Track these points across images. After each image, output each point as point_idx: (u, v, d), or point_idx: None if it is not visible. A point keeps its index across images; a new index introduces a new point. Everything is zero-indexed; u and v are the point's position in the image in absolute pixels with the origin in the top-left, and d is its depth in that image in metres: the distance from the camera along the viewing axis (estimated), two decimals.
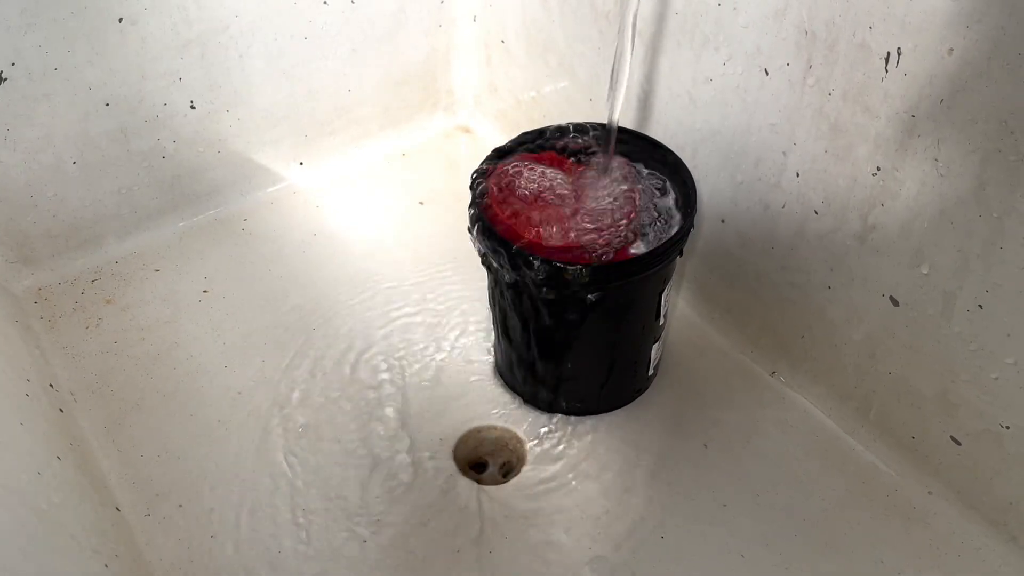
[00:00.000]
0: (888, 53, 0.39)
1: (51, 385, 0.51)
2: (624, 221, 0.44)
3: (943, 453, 0.46)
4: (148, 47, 0.56)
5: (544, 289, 0.43)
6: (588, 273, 0.42)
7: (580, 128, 0.49)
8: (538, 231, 0.43)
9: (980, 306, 0.41)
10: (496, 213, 0.44)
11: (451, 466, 0.48)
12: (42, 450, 0.43)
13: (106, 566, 0.39)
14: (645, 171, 0.47)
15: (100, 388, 0.52)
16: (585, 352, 0.48)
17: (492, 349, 0.54)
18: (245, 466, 0.48)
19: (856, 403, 0.49)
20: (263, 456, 0.48)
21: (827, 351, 0.50)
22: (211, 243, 0.62)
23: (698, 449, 0.49)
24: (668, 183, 0.47)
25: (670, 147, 0.48)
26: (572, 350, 0.47)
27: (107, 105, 0.56)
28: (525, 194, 0.45)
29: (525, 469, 0.48)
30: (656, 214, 0.45)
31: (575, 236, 0.43)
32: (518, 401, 0.51)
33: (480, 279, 0.53)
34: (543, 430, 0.50)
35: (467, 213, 0.45)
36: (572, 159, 0.48)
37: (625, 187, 0.46)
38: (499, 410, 0.51)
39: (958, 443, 0.45)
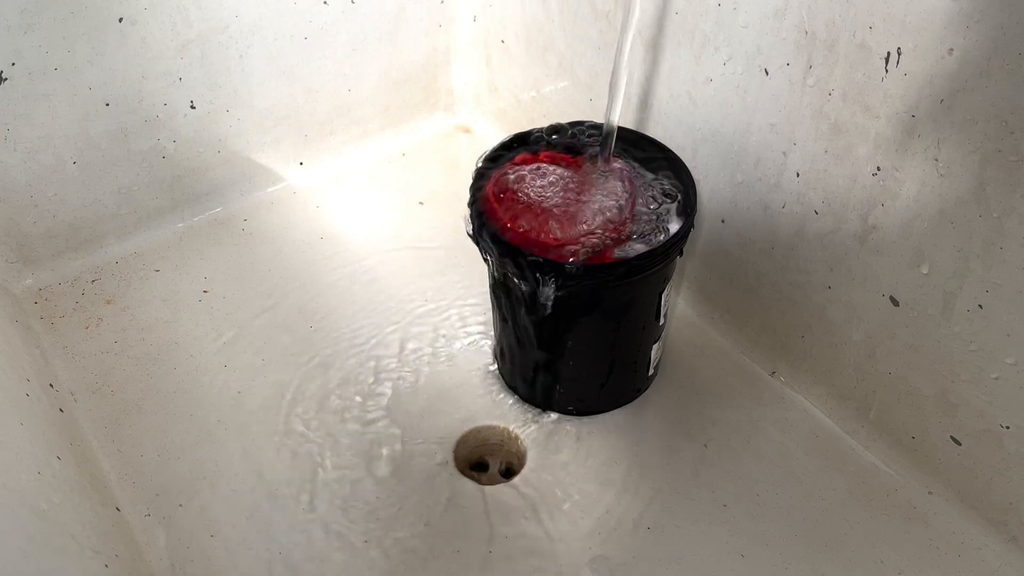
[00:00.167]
0: (888, 53, 0.39)
1: (51, 385, 0.51)
2: (624, 221, 0.44)
3: (943, 453, 0.46)
4: (148, 47, 0.56)
5: (542, 288, 0.43)
6: (586, 272, 0.42)
7: (580, 127, 0.49)
8: (537, 230, 0.43)
9: (980, 306, 0.41)
10: (495, 211, 0.44)
11: (451, 466, 0.48)
12: (42, 450, 0.43)
13: (106, 566, 0.39)
14: (645, 171, 0.47)
15: (100, 388, 0.52)
16: (585, 352, 0.48)
17: (492, 348, 0.54)
18: (245, 466, 0.48)
19: (856, 403, 0.49)
20: (263, 456, 0.48)
21: (827, 351, 0.50)
22: (211, 243, 0.62)
23: (698, 449, 0.49)
24: (668, 183, 0.46)
25: (670, 147, 0.48)
26: (572, 350, 0.47)
27: (107, 105, 0.56)
28: (525, 193, 0.45)
29: (525, 469, 0.48)
30: (656, 214, 0.45)
31: (574, 235, 0.43)
32: (518, 401, 0.51)
33: (481, 279, 0.53)
34: (543, 430, 0.50)
35: (467, 212, 0.45)
36: (573, 159, 0.48)
37: (625, 187, 0.46)
38: (499, 410, 0.51)
39: (958, 443, 0.45)
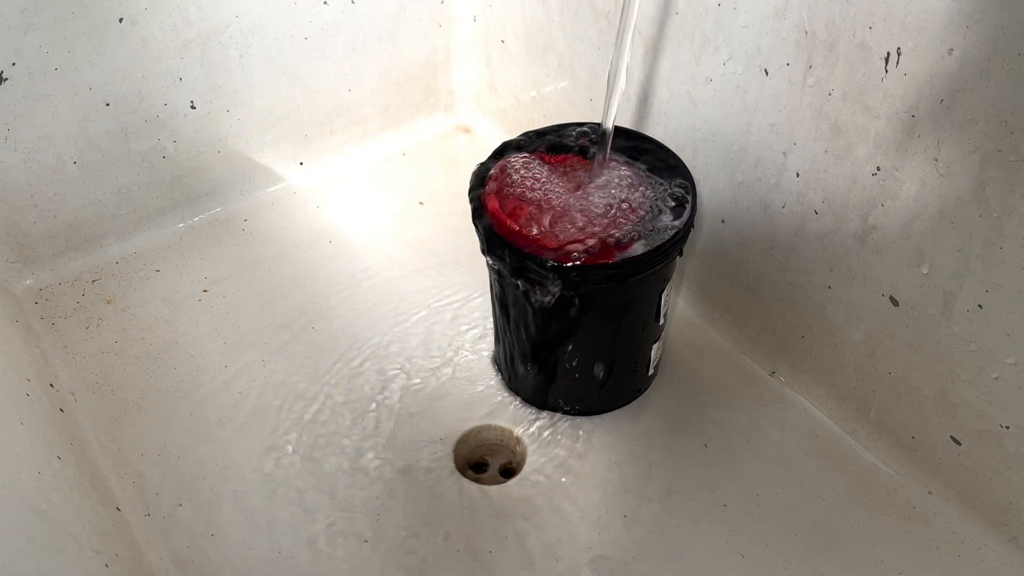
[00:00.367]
0: (888, 53, 0.39)
1: (51, 385, 0.51)
2: (624, 221, 0.44)
3: (943, 453, 0.46)
4: (148, 47, 0.56)
5: (542, 288, 0.43)
6: (586, 272, 0.42)
7: (581, 128, 0.49)
8: (537, 229, 0.43)
9: (980, 306, 0.41)
10: (495, 211, 0.44)
11: (451, 466, 0.48)
12: (42, 450, 0.43)
13: (106, 566, 0.39)
14: (645, 171, 0.47)
15: (100, 388, 0.52)
16: (585, 352, 0.48)
17: (492, 348, 0.54)
18: (245, 466, 0.48)
19: (856, 403, 0.49)
20: (263, 456, 0.48)
21: (827, 351, 0.50)
22: (211, 243, 0.62)
23: (698, 449, 0.49)
24: (668, 183, 0.46)
25: (670, 147, 0.48)
26: (572, 350, 0.47)
27: (107, 105, 0.56)
28: (525, 192, 0.45)
29: (525, 469, 0.48)
30: (655, 214, 0.45)
31: (574, 235, 0.43)
32: (518, 401, 0.51)
33: (481, 279, 0.53)
34: (543, 430, 0.50)
35: (468, 211, 0.45)
36: (574, 159, 0.48)
37: (624, 187, 0.46)
38: (499, 410, 0.51)
39: (958, 443, 0.45)
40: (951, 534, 0.45)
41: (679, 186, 0.46)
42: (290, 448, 0.49)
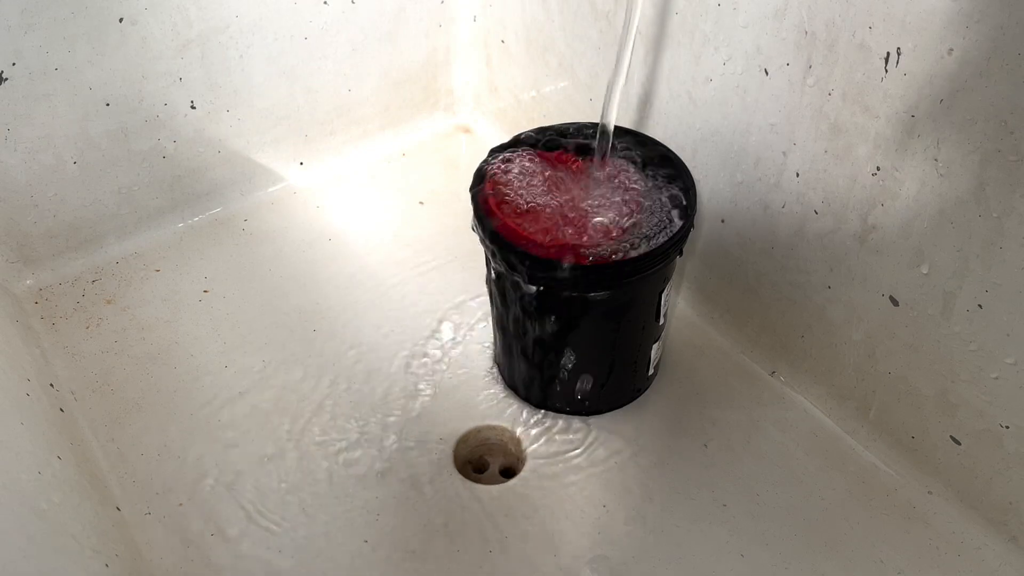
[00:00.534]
0: (888, 53, 0.39)
1: (52, 385, 0.51)
2: (623, 221, 0.44)
3: (943, 453, 0.46)
4: (148, 47, 0.56)
5: (542, 288, 0.43)
6: (586, 272, 0.42)
7: (581, 128, 0.49)
8: (538, 229, 0.43)
9: (980, 306, 0.41)
10: (495, 210, 0.44)
11: (451, 466, 0.48)
12: (42, 450, 0.43)
13: (106, 566, 0.40)
14: (644, 171, 0.47)
15: (100, 388, 0.52)
16: (585, 352, 0.48)
17: (492, 348, 0.54)
18: (245, 466, 0.48)
19: (856, 403, 0.49)
20: (263, 456, 0.48)
21: (827, 351, 0.50)
22: (211, 243, 0.62)
23: (698, 449, 0.49)
24: (668, 183, 0.46)
25: (670, 147, 0.48)
26: (572, 349, 0.47)
27: (107, 105, 0.56)
28: (525, 192, 0.45)
29: (525, 469, 0.48)
30: (655, 214, 0.45)
31: (574, 234, 0.43)
32: (518, 400, 0.51)
33: (480, 278, 0.53)
34: (543, 430, 0.50)
35: (468, 211, 0.45)
36: (574, 159, 0.48)
37: (624, 187, 0.46)
38: (499, 410, 0.51)
39: (958, 443, 0.45)
40: (951, 534, 0.45)
41: (679, 186, 0.46)
42: (290, 448, 0.49)
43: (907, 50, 0.38)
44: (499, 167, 0.47)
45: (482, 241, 0.45)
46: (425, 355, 0.54)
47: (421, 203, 0.66)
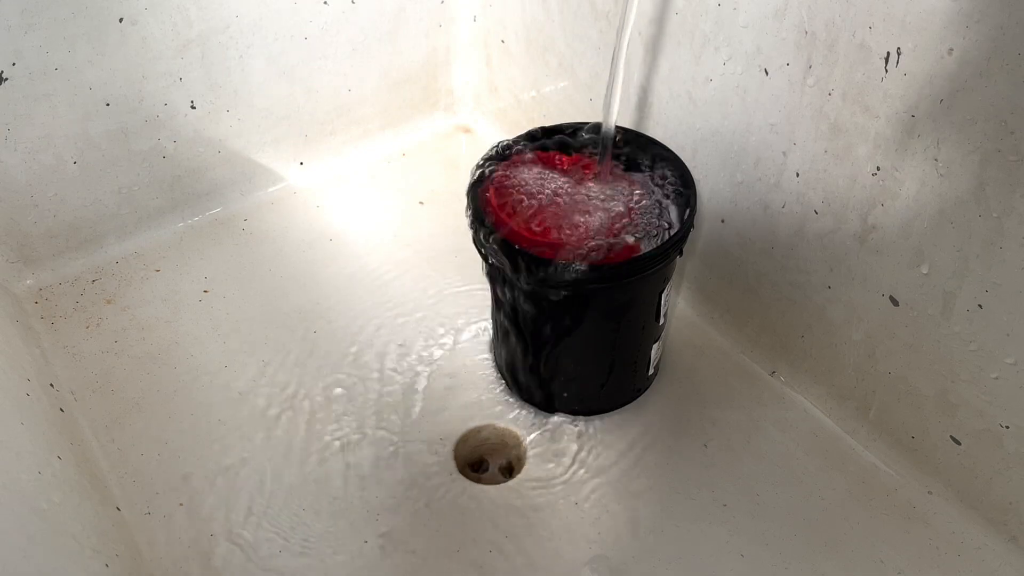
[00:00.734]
0: (888, 53, 0.39)
1: (52, 385, 0.51)
2: (623, 221, 0.44)
3: (943, 453, 0.46)
4: (148, 47, 0.56)
5: (541, 288, 0.43)
6: (586, 272, 0.42)
7: (582, 127, 0.49)
8: (538, 229, 0.43)
9: (980, 306, 0.41)
10: (495, 210, 0.44)
11: (451, 466, 0.48)
12: (42, 449, 0.43)
13: (106, 566, 0.40)
14: (645, 171, 0.47)
15: (100, 388, 0.52)
16: (585, 352, 0.48)
17: (492, 348, 0.54)
18: (245, 466, 0.48)
19: (856, 403, 0.49)
20: (263, 456, 0.48)
21: (827, 351, 0.50)
22: (211, 243, 0.62)
23: (698, 449, 0.49)
24: (668, 183, 0.46)
25: (670, 147, 0.48)
26: (572, 350, 0.47)
27: (107, 105, 0.56)
28: (525, 192, 0.45)
29: (525, 469, 0.48)
30: (656, 214, 0.45)
31: (574, 234, 0.43)
32: (518, 400, 0.51)
33: (480, 279, 0.53)
34: (543, 429, 0.50)
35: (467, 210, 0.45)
36: (574, 158, 0.48)
37: (624, 187, 0.46)
38: (499, 409, 0.51)
39: (958, 443, 0.45)
40: (951, 534, 0.45)
41: (679, 186, 0.46)
42: (290, 448, 0.49)
43: (907, 50, 0.38)
44: (498, 166, 0.47)
45: (483, 240, 0.45)
46: (425, 355, 0.54)
47: (421, 203, 0.66)
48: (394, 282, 0.59)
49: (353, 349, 0.54)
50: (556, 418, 0.50)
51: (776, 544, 0.44)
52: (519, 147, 0.49)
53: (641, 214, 0.45)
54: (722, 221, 0.53)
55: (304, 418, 0.50)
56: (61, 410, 0.49)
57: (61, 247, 0.59)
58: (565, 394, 0.50)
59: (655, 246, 0.43)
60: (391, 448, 0.49)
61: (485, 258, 0.46)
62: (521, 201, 0.45)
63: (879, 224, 0.43)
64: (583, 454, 0.49)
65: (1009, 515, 0.44)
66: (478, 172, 0.47)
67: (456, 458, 0.49)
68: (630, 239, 0.44)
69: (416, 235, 0.63)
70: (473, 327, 0.56)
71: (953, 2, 0.36)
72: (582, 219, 0.44)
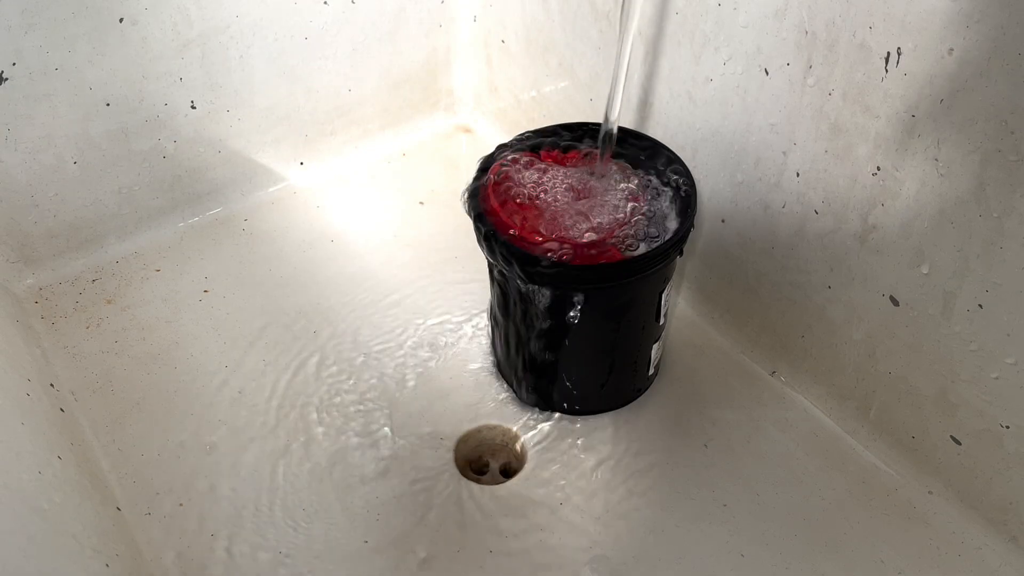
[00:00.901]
0: (888, 53, 0.39)
1: (52, 385, 0.51)
2: (623, 221, 0.44)
3: (943, 453, 0.46)
4: (149, 47, 0.56)
5: (542, 288, 0.43)
6: (586, 272, 0.42)
7: (582, 127, 0.49)
8: (538, 228, 0.43)
9: (980, 306, 0.41)
10: (496, 209, 0.44)
11: (451, 466, 0.48)
12: (43, 449, 0.43)
13: (107, 565, 0.40)
14: (645, 171, 0.47)
15: (101, 388, 0.52)
16: (585, 352, 0.48)
17: (493, 348, 0.54)
18: (246, 466, 0.48)
19: (856, 403, 0.49)
20: (264, 455, 0.48)
21: (827, 351, 0.50)
22: (212, 243, 0.62)
23: (698, 449, 0.49)
24: (668, 183, 0.47)
25: (670, 147, 0.48)
26: (572, 349, 0.47)
27: (108, 105, 0.56)
28: (525, 191, 0.45)
29: (525, 468, 0.48)
30: (656, 214, 0.45)
31: (574, 234, 0.43)
32: (518, 401, 0.51)
33: (481, 278, 0.53)
34: (543, 430, 0.50)
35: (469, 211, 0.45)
36: (575, 158, 0.48)
37: (625, 187, 0.46)
38: (499, 410, 0.51)
39: (958, 443, 0.45)
40: (951, 534, 0.45)
41: (679, 186, 0.46)
42: (290, 448, 0.49)
43: (907, 50, 0.38)
44: (499, 166, 0.47)
45: (481, 240, 0.45)
46: (426, 355, 0.54)
47: (421, 203, 0.67)
48: (394, 282, 0.59)
49: (353, 349, 0.54)
50: (556, 418, 0.50)
51: (776, 544, 0.44)
52: (519, 146, 0.49)
53: (641, 214, 0.45)
54: (722, 221, 0.53)
55: (304, 418, 0.50)
56: (61, 410, 0.49)
57: (61, 247, 0.59)
58: (565, 394, 0.50)
59: (655, 246, 0.43)
60: (391, 448, 0.49)
61: (487, 258, 0.46)
62: (522, 200, 0.45)
63: (879, 224, 0.43)
64: (583, 454, 0.49)
65: (1009, 515, 0.44)
66: (479, 170, 0.47)
67: (456, 458, 0.49)
68: (630, 239, 0.44)
69: (416, 235, 0.63)
70: (473, 327, 0.56)
71: (953, 2, 0.36)
72: (583, 218, 0.44)
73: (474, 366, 0.53)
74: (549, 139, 0.49)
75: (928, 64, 0.38)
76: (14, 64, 0.52)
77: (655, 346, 0.50)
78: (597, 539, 0.45)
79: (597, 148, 0.47)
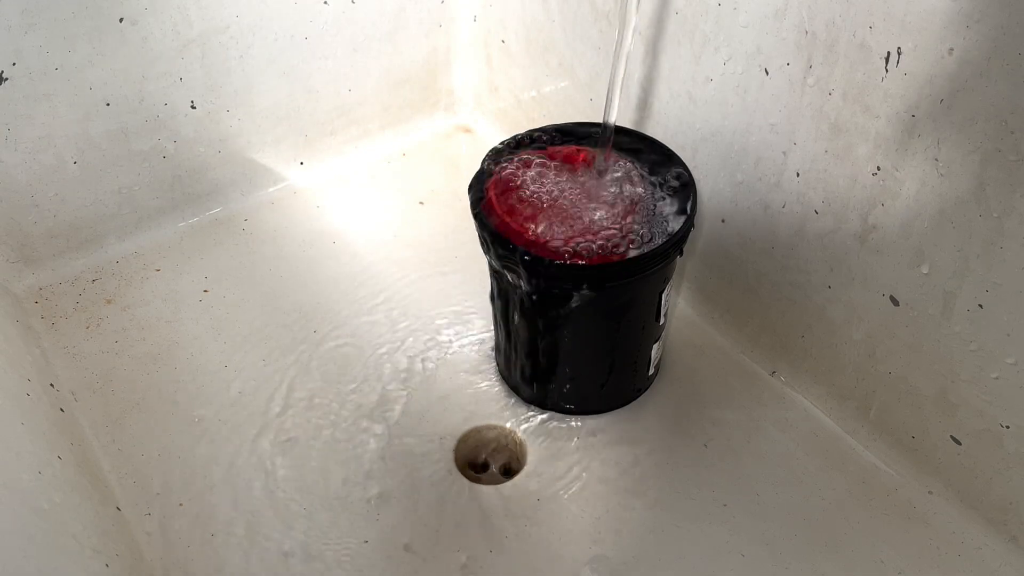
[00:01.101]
0: (888, 53, 0.39)
1: (52, 385, 0.51)
2: (624, 220, 0.44)
3: (943, 453, 0.46)
4: (149, 47, 0.56)
5: (542, 288, 0.43)
6: (586, 271, 0.42)
7: (582, 127, 0.49)
8: (538, 228, 0.43)
9: (980, 306, 0.41)
10: (496, 209, 0.44)
11: (451, 466, 0.48)
12: (43, 450, 0.43)
13: (107, 566, 0.40)
14: (645, 171, 0.47)
15: (101, 388, 0.52)
16: (585, 352, 0.48)
17: (493, 348, 0.54)
18: (246, 466, 0.48)
19: (856, 403, 0.49)
20: (264, 456, 0.48)
21: (827, 351, 0.50)
22: (211, 243, 0.62)
23: (698, 449, 0.49)
24: (668, 183, 0.46)
25: (670, 147, 0.48)
26: (572, 350, 0.47)
27: (108, 105, 0.56)
28: (525, 190, 0.45)
29: (525, 468, 0.48)
30: (656, 214, 0.45)
31: (574, 234, 0.43)
32: (518, 400, 0.51)
33: (481, 278, 0.53)
34: (543, 429, 0.50)
35: (468, 211, 0.45)
36: (575, 158, 0.48)
37: (625, 187, 0.46)
38: (499, 410, 0.51)
39: (958, 443, 0.45)
40: (951, 534, 0.45)
41: (679, 186, 0.46)
42: (290, 448, 0.49)
43: (907, 50, 0.38)
44: (500, 165, 0.47)
45: (481, 239, 0.45)
46: (426, 355, 0.54)
47: (421, 203, 0.67)
48: (395, 282, 0.59)
49: (353, 350, 0.54)
50: (556, 417, 0.50)
51: (776, 544, 0.44)
52: (520, 146, 0.49)
53: (641, 214, 0.45)
54: (722, 221, 0.53)
55: (304, 418, 0.50)
56: (61, 410, 0.49)
57: (61, 247, 0.59)
58: (565, 394, 0.50)
59: (655, 246, 0.43)
60: (392, 447, 0.49)
61: (487, 258, 0.46)
62: (522, 200, 0.45)
63: (879, 224, 0.43)
64: (583, 454, 0.49)
65: (1009, 515, 0.44)
66: (479, 171, 0.47)
67: (457, 458, 0.49)
68: (630, 239, 0.44)
69: (416, 235, 0.63)
70: (473, 327, 0.56)
71: (953, 2, 0.36)
72: (583, 218, 0.44)
73: (475, 366, 0.54)
74: (549, 138, 0.49)
75: (928, 64, 0.38)
76: (14, 64, 0.52)
77: (655, 346, 0.50)
78: (597, 539, 0.45)
79: (597, 148, 0.47)
